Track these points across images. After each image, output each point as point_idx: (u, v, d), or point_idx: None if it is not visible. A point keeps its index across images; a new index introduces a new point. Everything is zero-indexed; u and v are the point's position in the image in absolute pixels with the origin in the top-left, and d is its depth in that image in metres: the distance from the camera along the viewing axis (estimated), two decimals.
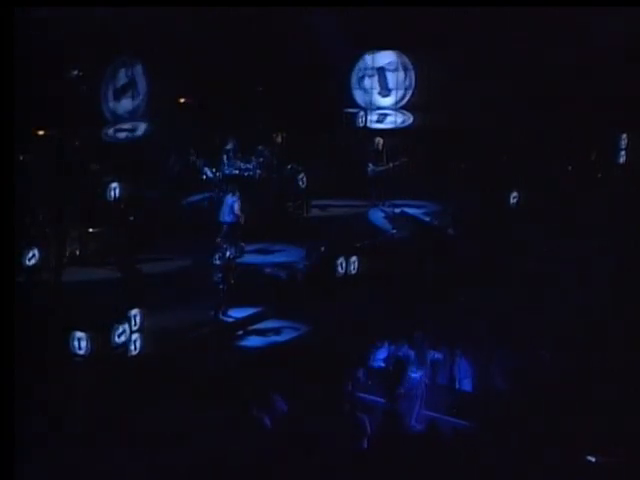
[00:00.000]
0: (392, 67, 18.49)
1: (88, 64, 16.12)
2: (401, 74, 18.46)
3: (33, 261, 14.07)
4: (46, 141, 15.89)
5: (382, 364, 12.27)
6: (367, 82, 18.68)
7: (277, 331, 13.51)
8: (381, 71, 18.52)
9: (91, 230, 15.14)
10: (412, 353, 12.14)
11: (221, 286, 13.49)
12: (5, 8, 9.47)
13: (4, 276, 9.79)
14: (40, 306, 12.91)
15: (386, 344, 12.36)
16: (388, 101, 18.72)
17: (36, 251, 14.12)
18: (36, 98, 14.27)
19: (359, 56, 18.42)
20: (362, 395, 11.92)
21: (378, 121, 18.62)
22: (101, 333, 12.50)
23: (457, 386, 12.11)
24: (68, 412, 10.84)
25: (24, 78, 13.05)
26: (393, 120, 18.59)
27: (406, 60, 18.35)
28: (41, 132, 15.88)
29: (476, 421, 10.91)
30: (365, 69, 18.61)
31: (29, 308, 12.27)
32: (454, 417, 11.27)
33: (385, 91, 18.62)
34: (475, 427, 10.79)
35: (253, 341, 13.45)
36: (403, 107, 18.55)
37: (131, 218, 15.47)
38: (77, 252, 14.95)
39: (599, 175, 17.42)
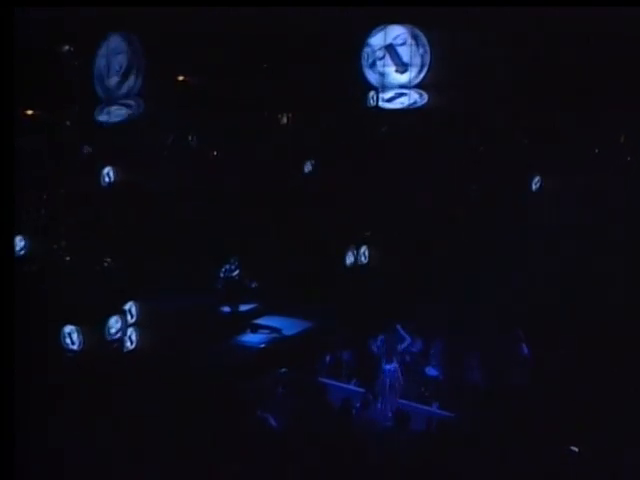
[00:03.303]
0: (405, 42, 18.47)
1: (81, 40, 16.25)
2: (415, 50, 18.43)
3: (22, 251, 14.27)
4: (34, 122, 16.02)
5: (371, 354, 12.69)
6: (378, 59, 18.64)
7: (279, 325, 13.75)
8: (393, 47, 18.50)
9: (83, 218, 15.35)
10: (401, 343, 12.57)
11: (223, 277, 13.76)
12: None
13: None
14: (29, 298, 13.09)
15: (381, 336, 12.73)
16: (401, 79, 18.70)
17: (25, 241, 14.31)
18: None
19: (370, 31, 18.42)
20: (344, 385, 12.34)
21: (390, 100, 18.61)
22: (95, 327, 12.72)
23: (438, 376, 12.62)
24: (60, 410, 11.04)
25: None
26: (407, 99, 18.54)
27: (420, 35, 18.35)
28: (29, 112, 16.03)
29: (456, 411, 11.44)
30: (376, 45, 18.59)
31: (17, 300, 12.48)
32: (433, 407, 11.82)
33: (399, 68, 18.62)
34: (454, 417, 11.32)
35: (255, 336, 13.69)
36: (418, 85, 18.49)
37: (126, 205, 15.66)
38: (68, 241, 15.18)
39: (628, 159, 17.53)
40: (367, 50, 18.52)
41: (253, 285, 14.20)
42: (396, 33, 18.47)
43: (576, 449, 9.75)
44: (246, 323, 13.86)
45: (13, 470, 8.88)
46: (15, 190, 14.48)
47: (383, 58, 18.40)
